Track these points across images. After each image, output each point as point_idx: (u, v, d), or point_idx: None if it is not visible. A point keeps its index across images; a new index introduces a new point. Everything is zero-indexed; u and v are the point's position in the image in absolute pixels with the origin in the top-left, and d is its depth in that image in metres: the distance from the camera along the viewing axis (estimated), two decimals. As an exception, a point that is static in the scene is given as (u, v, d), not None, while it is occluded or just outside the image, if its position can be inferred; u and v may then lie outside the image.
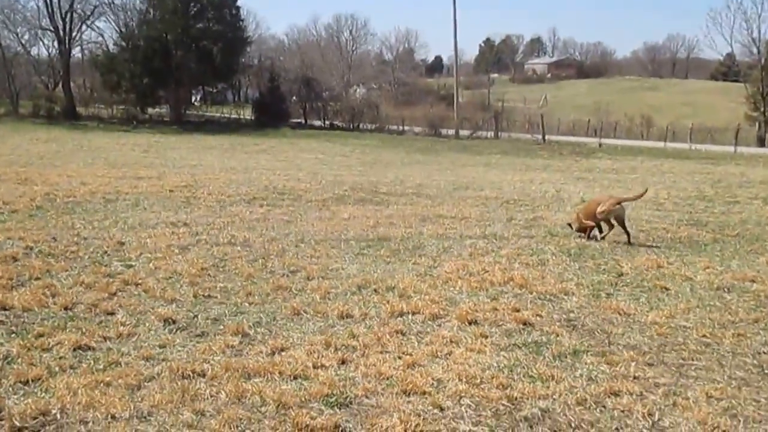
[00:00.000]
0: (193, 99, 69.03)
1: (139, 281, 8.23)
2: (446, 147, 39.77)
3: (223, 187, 17.11)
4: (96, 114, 56.79)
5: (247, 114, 60.85)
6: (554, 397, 5.33)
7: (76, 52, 63.33)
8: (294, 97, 61.15)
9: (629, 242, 11.14)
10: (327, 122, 57.76)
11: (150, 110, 58.47)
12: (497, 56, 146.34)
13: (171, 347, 6.19)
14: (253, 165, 24.68)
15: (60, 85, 59.82)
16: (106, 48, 58.07)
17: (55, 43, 59.68)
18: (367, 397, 5.25)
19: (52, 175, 18.67)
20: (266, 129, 49.81)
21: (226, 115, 62.33)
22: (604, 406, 5.21)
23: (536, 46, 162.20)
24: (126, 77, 52.66)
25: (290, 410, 4.99)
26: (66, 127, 45.85)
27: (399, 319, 7.11)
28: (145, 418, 4.86)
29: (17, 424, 4.71)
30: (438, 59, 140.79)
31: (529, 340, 6.54)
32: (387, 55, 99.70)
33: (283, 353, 6.08)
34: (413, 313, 7.26)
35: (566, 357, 6.14)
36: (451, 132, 49.63)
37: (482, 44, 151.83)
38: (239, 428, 4.76)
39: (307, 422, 4.81)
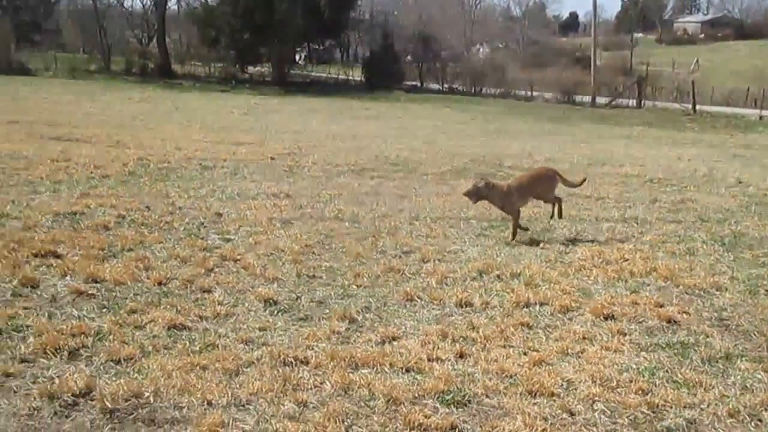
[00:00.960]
0: (298, 57, 69.54)
1: (238, 257, 8.41)
2: (581, 116, 39.24)
3: (329, 155, 17.32)
4: (192, 72, 58.12)
5: (357, 75, 61.11)
6: (702, 406, 5.22)
7: (172, 4, 65.18)
8: (409, 57, 61.23)
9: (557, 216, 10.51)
10: (445, 85, 57.71)
11: (250, 69, 59.29)
12: (642, 13, 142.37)
13: (272, 331, 6.31)
14: (362, 132, 24.86)
15: (154, 40, 61.46)
16: (205, 0, 59.10)
17: (151, -6, 61.29)
18: (487, 397, 5.24)
19: (145, 137, 19.25)
20: (377, 92, 50.01)
21: (333, 76, 62.74)
22: (759, 420, 5.08)
23: (688, 2, 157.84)
24: (225, 32, 53.40)
25: (401, 406, 5.03)
26: (160, 85, 47.18)
27: (525, 310, 7.07)
28: (243, 406, 4.97)
29: (109, 405, 4.87)
30: (573, 16, 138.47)
31: (674, 341, 6.42)
32: (515, 11, 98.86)
33: (394, 343, 6.14)
34: (541, 304, 7.21)
35: (717, 361, 6.00)
36: (587, 99, 48.93)
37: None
38: (345, 423, 4.81)
39: (420, 420, 4.83)
